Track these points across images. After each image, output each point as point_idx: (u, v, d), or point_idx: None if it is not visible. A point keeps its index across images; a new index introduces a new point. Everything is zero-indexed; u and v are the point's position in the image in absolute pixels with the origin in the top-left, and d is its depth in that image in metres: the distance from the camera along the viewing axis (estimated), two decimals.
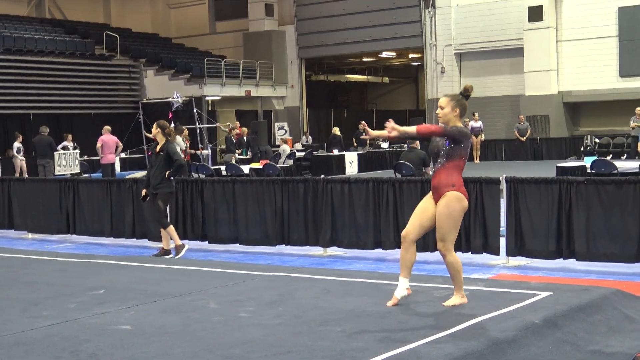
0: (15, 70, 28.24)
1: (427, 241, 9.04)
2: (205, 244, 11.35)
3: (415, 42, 33.72)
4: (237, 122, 27.87)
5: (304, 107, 37.27)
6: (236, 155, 23.05)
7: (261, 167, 19.17)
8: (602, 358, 5.14)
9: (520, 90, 30.28)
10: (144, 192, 10.45)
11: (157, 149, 10.39)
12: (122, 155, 24.51)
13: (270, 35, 36.24)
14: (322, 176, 10.75)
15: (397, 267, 6.49)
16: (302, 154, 26.05)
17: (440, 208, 6.17)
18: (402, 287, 6.34)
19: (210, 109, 33.52)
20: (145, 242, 11.71)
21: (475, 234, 9.13)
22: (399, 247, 7.14)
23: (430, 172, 6.43)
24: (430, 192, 6.35)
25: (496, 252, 9.08)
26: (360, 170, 25.63)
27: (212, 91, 32.42)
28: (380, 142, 28.97)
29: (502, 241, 9.04)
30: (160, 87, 31.66)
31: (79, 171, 21.06)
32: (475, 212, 9.10)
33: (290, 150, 24.80)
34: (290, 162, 23.18)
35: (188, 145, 20.49)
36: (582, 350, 5.26)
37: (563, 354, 5.17)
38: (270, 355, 5.04)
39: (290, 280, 7.70)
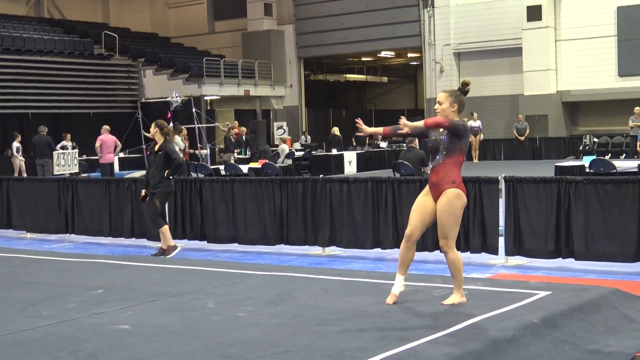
0: (14, 70, 28.22)
1: (426, 240, 9.04)
2: (204, 244, 11.34)
3: (414, 42, 33.71)
4: (236, 122, 27.85)
5: (302, 107, 37.26)
6: (235, 154, 23.06)
7: (260, 166, 19.17)
8: (601, 357, 5.14)
9: (519, 89, 30.29)
10: (143, 192, 10.43)
11: (156, 149, 10.38)
12: (121, 154, 24.51)
13: (269, 34, 36.23)
14: (321, 176, 10.75)
15: (396, 267, 6.48)
16: (301, 153, 26.05)
17: (441, 205, 6.18)
18: (400, 284, 6.38)
19: (209, 108, 33.51)
20: (144, 242, 11.70)
21: (474, 234, 9.13)
22: (398, 247, 7.14)
23: (429, 169, 6.42)
24: (427, 188, 6.34)
25: (495, 251, 9.08)
26: (359, 169, 25.64)
27: (211, 91, 32.41)
28: (379, 142, 28.97)
29: (501, 241, 9.05)
30: (159, 86, 31.65)
31: (77, 171, 21.04)
32: (474, 211, 9.10)
33: (289, 150, 24.80)
34: (289, 161, 23.19)
35: (187, 144, 20.51)
36: (581, 350, 5.26)
37: (562, 353, 5.17)
38: (269, 354, 5.04)
39: (289, 280, 7.70)
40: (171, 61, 33.45)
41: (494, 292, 6.75)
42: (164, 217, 10.60)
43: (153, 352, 5.20)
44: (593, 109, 29.93)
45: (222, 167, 20.07)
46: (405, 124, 6.17)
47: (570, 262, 8.75)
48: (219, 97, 33.97)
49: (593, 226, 8.48)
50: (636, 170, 14.10)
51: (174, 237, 11.26)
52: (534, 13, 29.45)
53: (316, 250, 10.39)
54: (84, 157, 24.26)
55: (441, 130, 6.28)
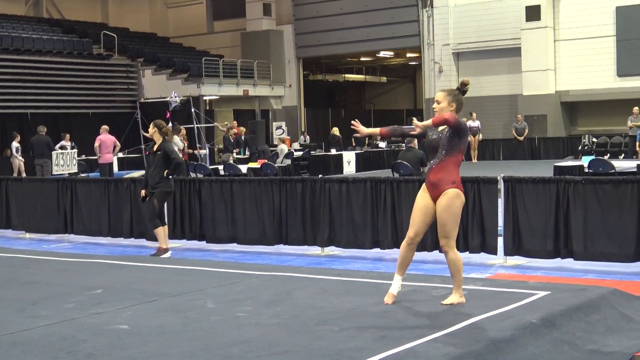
0: (13, 70, 28.20)
1: (425, 240, 9.04)
2: (203, 244, 11.34)
3: (413, 42, 33.70)
4: (235, 122, 27.83)
5: (301, 107, 37.26)
6: (234, 154, 23.05)
7: (259, 166, 19.16)
8: (600, 357, 5.14)
9: (517, 89, 30.29)
10: (143, 192, 10.42)
11: (155, 149, 10.38)
12: (120, 154, 24.50)
13: (268, 34, 36.22)
14: (320, 176, 10.75)
15: (395, 267, 6.48)
16: (300, 153, 26.04)
17: (443, 206, 6.19)
18: (398, 285, 6.40)
19: (208, 108, 33.49)
20: (143, 242, 11.70)
21: (473, 234, 9.14)
22: (397, 247, 7.14)
23: (427, 169, 6.42)
24: (424, 188, 6.34)
25: (494, 251, 9.08)
26: (358, 169, 25.63)
27: (210, 91, 32.40)
28: (378, 142, 28.97)
29: (500, 241, 9.05)
30: (158, 86, 31.63)
31: (76, 171, 21.03)
32: (473, 211, 9.10)
33: (288, 150, 24.79)
34: (288, 161, 23.18)
35: (186, 144, 20.49)
36: (580, 350, 5.26)
37: (561, 353, 5.17)
38: (267, 354, 5.03)
39: (288, 280, 7.70)
40: (170, 61, 33.44)
41: (493, 292, 6.75)
42: (162, 217, 10.58)
43: (152, 352, 5.20)
44: (592, 109, 29.93)
45: (221, 167, 20.07)
46: (417, 125, 6.21)
47: (569, 262, 8.75)
48: (217, 97, 33.96)
49: (592, 226, 8.48)
50: (635, 170, 14.10)
51: (173, 237, 11.28)
52: (533, 13, 29.45)
53: (315, 250, 10.39)
54: (83, 157, 24.24)
55: (440, 129, 6.29)
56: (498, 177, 9.06)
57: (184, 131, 20.52)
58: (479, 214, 9.11)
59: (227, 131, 24.46)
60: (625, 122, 23.59)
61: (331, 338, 5.37)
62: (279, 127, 33.16)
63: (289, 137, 30.86)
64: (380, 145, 28.84)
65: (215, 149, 29.51)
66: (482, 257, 9.18)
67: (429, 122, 6.24)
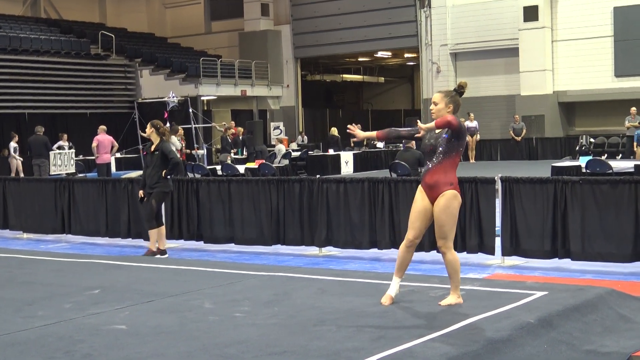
0: (11, 70, 28.17)
1: (423, 241, 9.03)
2: (200, 244, 11.34)
3: (411, 42, 33.71)
4: (233, 122, 27.80)
5: (299, 107, 37.25)
6: (232, 155, 23.03)
7: (257, 166, 19.17)
8: (597, 358, 5.15)
9: (515, 90, 30.30)
10: (141, 193, 10.41)
11: (152, 149, 10.37)
12: (118, 155, 24.47)
13: (265, 35, 36.21)
14: (318, 176, 10.75)
15: (393, 267, 6.49)
16: (298, 153, 26.03)
17: (441, 207, 6.19)
18: (396, 286, 6.41)
19: (205, 108, 33.48)
20: (140, 242, 11.69)
21: (470, 234, 9.14)
22: (395, 247, 7.14)
23: (423, 170, 6.44)
24: (421, 189, 6.34)
25: (491, 251, 9.09)
26: (355, 170, 25.63)
27: (208, 91, 32.39)
28: (376, 142, 28.98)
29: (498, 241, 9.06)
30: (156, 86, 31.61)
31: (74, 171, 21.01)
32: (471, 212, 9.11)
33: (286, 150, 24.80)
34: (286, 161, 23.17)
35: (184, 145, 20.48)
36: (577, 350, 5.27)
37: (558, 353, 5.18)
38: (265, 355, 5.03)
39: (285, 280, 7.70)
40: (168, 61, 33.42)
41: (491, 292, 6.75)
42: (160, 217, 10.57)
43: (149, 352, 5.20)
44: (589, 109, 29.95)
45: (218, 167, 20.06)
46: (421, 127, 6.28)
47: (566, 263, 8.76)
48: (215, 97, 33.95)
49: (589, 226, 8.49)
50: (632, 170, 14.11)
51: (171, 237, 11.27)
52: (531, 13, 29.47)
53: (313, 250, 10.39)
54: (81, 157, 24.22)
55: (437, 131, 6.29)
56: (496, 178, 9.06)
57: (181, 131, 20.52)
58: (476, 214, 9.11)
59: (225, 131, 24.44)
60: (623, 122, 23.60)
61: (329, 338, 5.37)
62: (277, 128, 33.15)
63: (286, 137, 30.87)
64: (378, 146, 28.85)
65: (213, 149, 29.50)
66: (480, 258, 9.18)
67: (432, 124, 6.25)
